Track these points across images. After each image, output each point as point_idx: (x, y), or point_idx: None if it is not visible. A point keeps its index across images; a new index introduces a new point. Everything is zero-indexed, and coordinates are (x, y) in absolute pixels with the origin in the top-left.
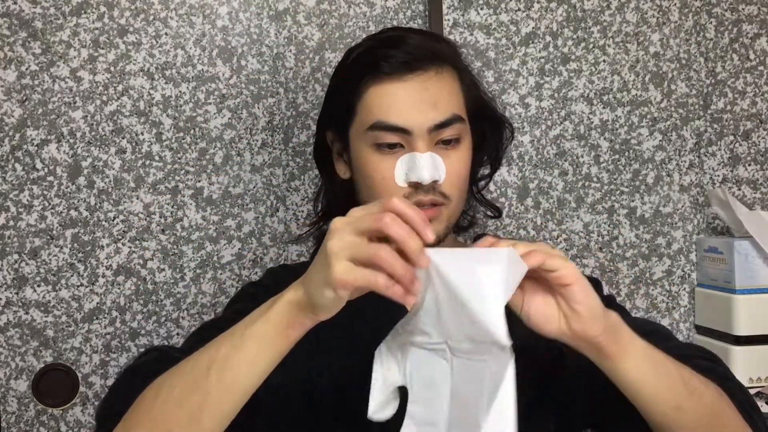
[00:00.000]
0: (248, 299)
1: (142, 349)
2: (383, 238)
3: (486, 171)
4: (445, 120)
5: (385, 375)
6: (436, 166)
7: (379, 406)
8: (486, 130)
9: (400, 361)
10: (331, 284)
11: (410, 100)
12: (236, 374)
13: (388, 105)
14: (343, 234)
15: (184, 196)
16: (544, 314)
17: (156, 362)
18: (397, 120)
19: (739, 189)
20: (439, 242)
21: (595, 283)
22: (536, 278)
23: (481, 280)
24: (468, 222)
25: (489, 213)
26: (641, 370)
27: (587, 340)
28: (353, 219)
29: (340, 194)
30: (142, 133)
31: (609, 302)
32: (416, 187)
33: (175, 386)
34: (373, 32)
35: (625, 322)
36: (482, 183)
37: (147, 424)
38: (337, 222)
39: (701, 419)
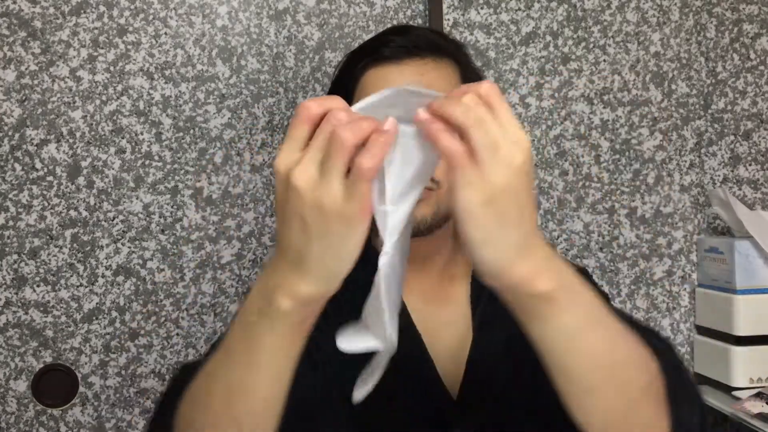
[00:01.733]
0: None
1: (141, 349)
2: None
3: None
4: None
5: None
6: None
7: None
8: None
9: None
10: (355, 220)
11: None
12: (260, 396)
13: (382, 87)
14: (307, 166)
15: (183, 196)
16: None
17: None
18: None
19: (740, 189)
20: (428, 228)
21: (583, 275)
22: None
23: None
24: None
25: None
26: (581, 323)
27: (511, 283)
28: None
29: None
30: (142, 133)
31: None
32: None
33: (196, 420)
34: (374, 32)
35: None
36: None
37: None
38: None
39: (624, 400)
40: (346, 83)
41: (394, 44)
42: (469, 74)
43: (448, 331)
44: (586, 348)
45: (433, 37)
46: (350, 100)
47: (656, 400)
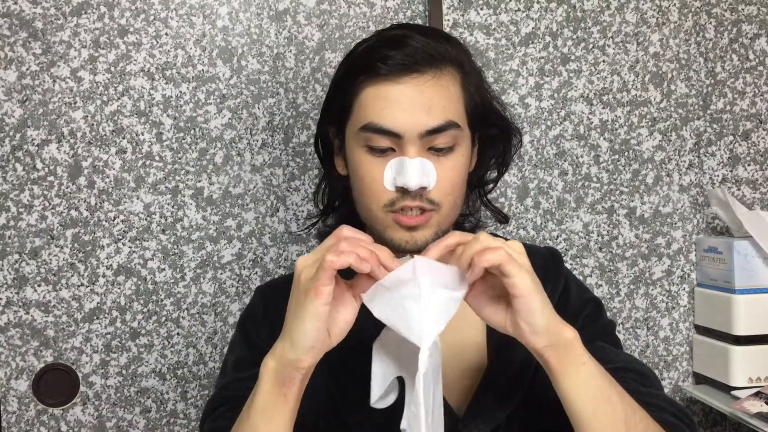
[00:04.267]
0: (244, 345)
1: (142, 349)
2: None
3: (493, 174)
4: (438, 126)
5: (383, 368)
6: (425, 173)
7: (381, 396)
8: (494, 133)
9: (397, 353)
10: (311, 296)
11: (403, 103)
12: None
13: (381, 107)
14: (309, 258)
15: (184, 196)
16: (491, 308)
17: None
18: (388, 123)
19: (739, 189)
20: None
21: (597, 305)
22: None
23: (408, 317)
24: (473, 225)
25: (496, 218)
26: (581, 393)
27: (529, 347)
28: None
29: (338, 190)
30: (143, 133)
31: (604, 327)
32: (404, 192)
33: None
34: (374, 32)
35: (605, 353)
36: (489, 186)
37: None
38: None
39: None
40: (342, 99)
41: (392, 61)
42: (471, 75)
43: (460, 350)
44: (593, 410)
45: (432, 46)
46: (347, 116)
47: None
